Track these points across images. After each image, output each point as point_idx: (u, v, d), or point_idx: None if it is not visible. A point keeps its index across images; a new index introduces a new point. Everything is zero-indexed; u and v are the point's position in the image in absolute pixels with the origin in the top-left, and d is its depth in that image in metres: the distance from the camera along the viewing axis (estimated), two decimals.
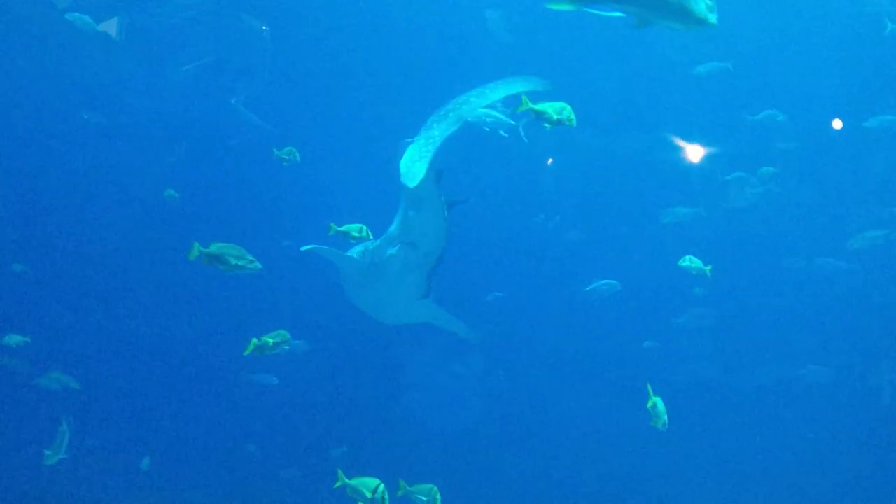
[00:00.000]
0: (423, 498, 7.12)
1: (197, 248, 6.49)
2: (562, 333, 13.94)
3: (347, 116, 13.44)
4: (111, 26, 12.39)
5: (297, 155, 8.74)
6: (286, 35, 13.22)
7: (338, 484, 6.61)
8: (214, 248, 6.61)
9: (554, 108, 6.18)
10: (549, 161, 14.70)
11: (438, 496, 7.08)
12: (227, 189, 13.21)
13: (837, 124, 13.26)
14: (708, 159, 13.71)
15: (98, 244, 12.98)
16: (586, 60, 12.84)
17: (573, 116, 6.19)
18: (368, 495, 6.45)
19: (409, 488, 7.19)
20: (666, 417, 6.96)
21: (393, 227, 9.02)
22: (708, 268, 8.79)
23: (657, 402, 7.02)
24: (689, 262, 8.88)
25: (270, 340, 7.17)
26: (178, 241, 12.51)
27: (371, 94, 13.33)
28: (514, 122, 9.36)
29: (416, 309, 9.54)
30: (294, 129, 13.19)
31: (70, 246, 12.96)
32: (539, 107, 6.19)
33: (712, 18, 3.86)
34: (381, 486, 6.43)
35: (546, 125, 6.21)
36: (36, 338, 10.63)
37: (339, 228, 7.71)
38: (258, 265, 6.73)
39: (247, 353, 7.08)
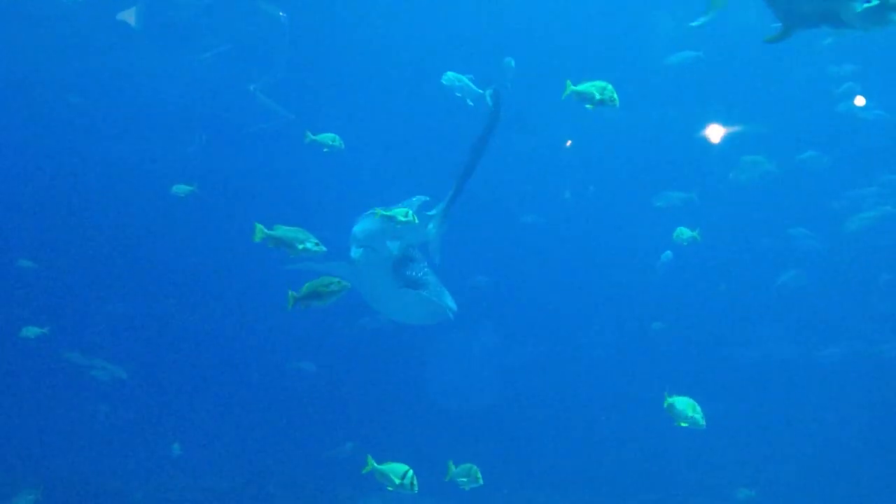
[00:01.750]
0: (464, 478, 7.16)
1: (261, 230, 6.37)
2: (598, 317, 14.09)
3: (367, 102, 13.41)
4: (129, 15, 12.39)
5: (340, 141, 8.17)
6: (304, 20, 13.17)
7: (367, 469, 6.66)
8: (279, 231, 6.45)
9: (596, 88, 6.16)
10: (568, 143, 14.72)
11: (479, 475, 7.09)
12: (248, 176, 13.27)
13: (860, 101, 13.22)
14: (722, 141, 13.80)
15: (127, 237, 13.12)
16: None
17: (615, 96, 6.16)
18: (397, 481, 6.51)
19: (455, 470, 7.17)
20: (696, 415, 6.34)
21: (358, 228, 8.86)
22: (696, 232, 8.82)
23: (676, 402, 6.42)
24: (680, 234, 8.89)
25: (323, 289, 6.39)
26: (208, 230, 12.76)
27: (390, 79, 13.30)
28: (481, 91, 9.26)
29: (406, 301, 9.45)
30: (313, 116, 13.21)
31: (100, 239, 13.11)
32: (581, 88, 6.18)
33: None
34: (411, 472, 6.47)
35: (588, 106, 6.18)
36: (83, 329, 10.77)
37: (384, 212, 7.48)
38: (323, 248, 6.57)
39: (301, 295, 6.27)
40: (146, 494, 10.96)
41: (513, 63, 11.11)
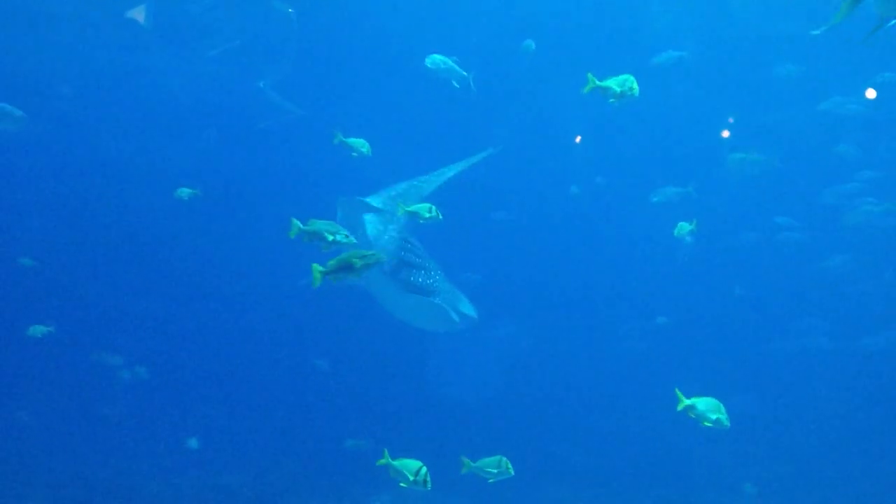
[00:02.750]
0: (494, 470, 7.12)
1: (296, 225, 6.55)
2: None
3: (376, 97, 13.40)
4: (139, 12, 12.39)
5: (369, 149, 8.16)
6: (312, 16, 13.16)
7: (381, 462, 6.69)
8: (313, 225, 6.61)
9: (617, 82, 6.40)
10: (578, 139, 14.72)
11: (510, 466, 7.06)
12: (258, 173, 13.26)
13: (871, 94, 13.31)
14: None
15: (139, 234, 13.14)
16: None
17: (635, 86, 6.38)
18: (411, 478, 6.53)
19: (473, 464, 7.17)
20: (720, 415, 6.23)
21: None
22: (693, 222, 8.91)
23: (698, 403, 6.28)
24: (680, 229, 8.96)
25: (357, 262, 6.11)
26: (217, 227, 12.76)
27: (398, 74, 13.26)
28: (466, 74, 9.38)
29: (415, 306, 9.52)
30: (323, 112, 13.23)
31: (113, 237, 13.15)
32: (603, 83, 6.41)
33: None
34: (424, 469, 6.50)
35: (611, 100, 6.38)
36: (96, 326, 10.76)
37: (408, 209, 7.51)
38: (353, 239, 6.71)
39: (331, 269, 6.06)
40: (158, 490, 11.00)
41: (533, 46, 11.27)
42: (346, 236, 6.61)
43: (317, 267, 5.96)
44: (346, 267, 6.07)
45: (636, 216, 13.86)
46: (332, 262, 6.07)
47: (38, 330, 10.16)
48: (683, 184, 11.79)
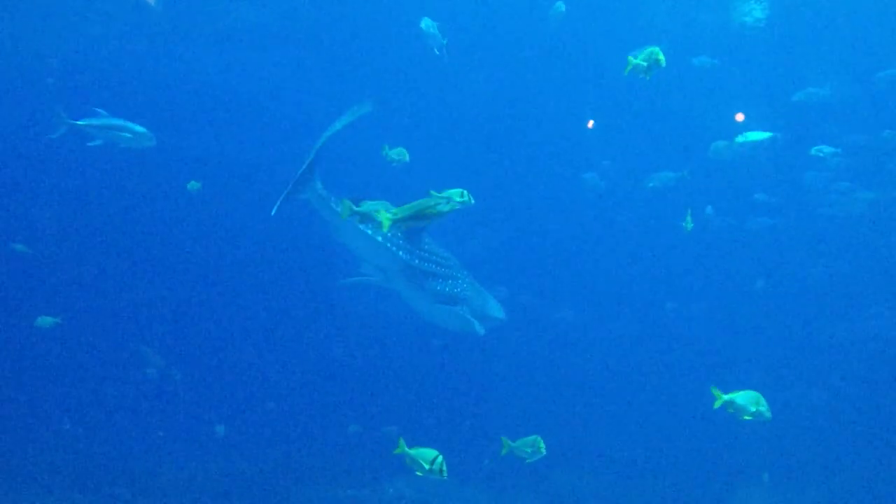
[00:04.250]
0: (528, 449, 7.23)
1: (348, 207, 6.62)
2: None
3: (383, 85, 13.31)
4: None
5: (407, 156, 8.51)
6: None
7: (398, 451, 6.69)
8: (363, 206, 6.67)
9: (643, 57, 6.67)
10: (590, 124, 14.60)
11: (543, 446, 7.16)
12: (270, 159, 13.21)
13: None
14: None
15: (157, 225, 13.14)
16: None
17: (661, 57, 6.65)
18: (427, 466, 6.51)
19: (512, 444, 7.27)
20: (759, 406, 6.24)
21: None
22: (688, 215, 8.99)
23: (737, 397, 6.30)
24: (687, 222, 9.02)
25: (430, 210, 6.06)
26: (227, 219, 12.72)
27: (407, 63, 13.17)
28: (444, 42, 9.61)
29: (436, 311, 9.71)
30: (331, 100, 13.14)
31: (130, 229, 13.15)
32: (636, 61, 6.73)
33: None
34: (440, 458, 6.49)
35: (643, 75, 6.68)
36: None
37: (439, 195, 7.49)
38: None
39: (402, 217, 6.07)
40: (174, 476, 11.05)
41: (563, 7, 11.31)
42: (396, 214, 6.55)
43: (385, 215, 5.92)
44: (417, 216, 6.05)
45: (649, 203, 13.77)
46: (399, 211, 6.02)
47: (45, 321, 10.12)
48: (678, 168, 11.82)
